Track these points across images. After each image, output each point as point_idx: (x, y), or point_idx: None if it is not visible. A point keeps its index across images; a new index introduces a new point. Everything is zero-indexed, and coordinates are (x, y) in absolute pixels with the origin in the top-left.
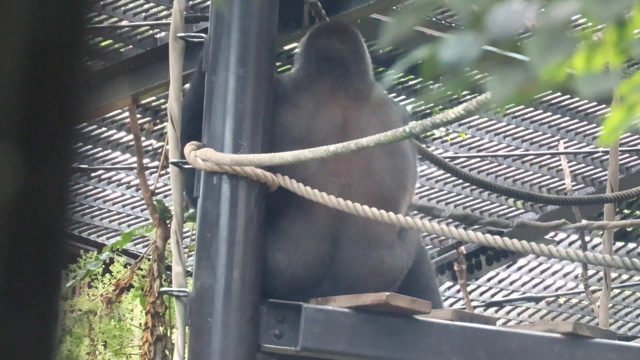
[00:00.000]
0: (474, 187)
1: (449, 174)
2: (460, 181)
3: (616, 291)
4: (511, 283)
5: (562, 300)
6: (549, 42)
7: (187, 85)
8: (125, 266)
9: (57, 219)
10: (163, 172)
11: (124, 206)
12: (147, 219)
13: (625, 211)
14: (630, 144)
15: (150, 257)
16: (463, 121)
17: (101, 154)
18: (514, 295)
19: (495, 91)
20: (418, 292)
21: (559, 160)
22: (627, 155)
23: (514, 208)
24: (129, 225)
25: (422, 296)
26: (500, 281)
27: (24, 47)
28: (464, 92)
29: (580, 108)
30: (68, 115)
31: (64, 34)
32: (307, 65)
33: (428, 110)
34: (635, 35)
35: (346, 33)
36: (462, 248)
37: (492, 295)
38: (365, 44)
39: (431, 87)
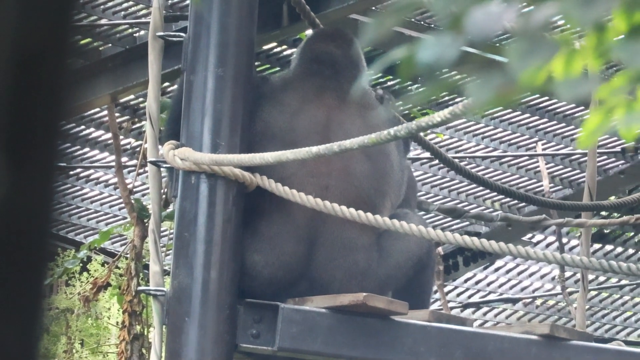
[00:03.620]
0: (452, 187)
1: (430, 175)
2: (438, 182)
3: (593, 293)
4: (488, 284)
5: (539, 301)
6: (528, 46)
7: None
8: (102, 265)
9: (41, 219)
10: (141, 171)
11: (101, 204)
12: (125, 218)
13: (603, 213)
14: (609, 146)
15: (128, 255)
16: None
17: (79, 152)
18: (491, 297)
19: (475, 95)
20: (409, 303)
21: (537, 161)
22: (605, 157)
23: (491, 209)
24: (106, 224)
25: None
26: (477, 282)
27: (9, 48)
28: (443, 94)
29: (558, 110)
30: (53, 115)
31: (50, 35)
32: (298, 67)
33: (406, 111)
34: (614, 40)
35: (343, 39)
36: (440, 249)
37: (469, 297)
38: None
39: (409, 87)
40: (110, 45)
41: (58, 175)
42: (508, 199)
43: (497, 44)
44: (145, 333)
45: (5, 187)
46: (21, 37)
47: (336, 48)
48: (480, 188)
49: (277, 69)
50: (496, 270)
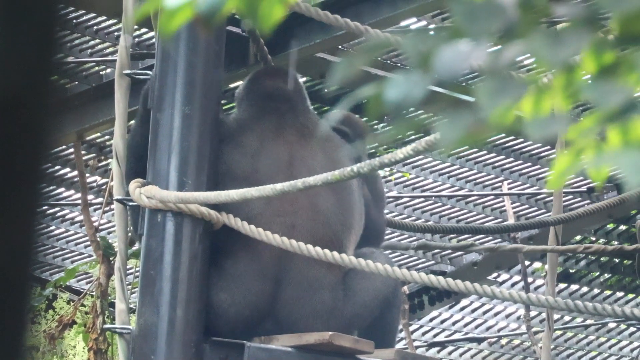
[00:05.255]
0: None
1: (392, 214)
2: (404, 221)
3: (558, 332)
4: (454, 323)
5: (504, 341)
6: (497, 85)
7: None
8: (68, 302)
9: (22, 262)
10: (107, 208)
11: (67, 242)
12: (90, 256)
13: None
14: (574, 185)
15: (94, 293)
16: (407, 160)
17: (45, 189)
18: (457, 336)
19: (444, 134)
20: (375, 342)
21: (503, 201)
22: (570, 196)
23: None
24: (72, 262)
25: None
26: (442, 321)
27: None
28: (411, 133)
29: (524, 149)
30: (35, 157)
31: (32, 79)
32: (251, 106)
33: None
34: (583, 80)
35: (286, 74)
36: (405, 288)
37: (435, 336)
38: (306, 84)
39: (376, 126)
40: (76, 82)
41: (40, 217)
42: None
43: (465, 84)
44: None
45: None
46: (3, 80)
47: (284, 84)
48: (447, 226)
49: None
50: (461, 309)
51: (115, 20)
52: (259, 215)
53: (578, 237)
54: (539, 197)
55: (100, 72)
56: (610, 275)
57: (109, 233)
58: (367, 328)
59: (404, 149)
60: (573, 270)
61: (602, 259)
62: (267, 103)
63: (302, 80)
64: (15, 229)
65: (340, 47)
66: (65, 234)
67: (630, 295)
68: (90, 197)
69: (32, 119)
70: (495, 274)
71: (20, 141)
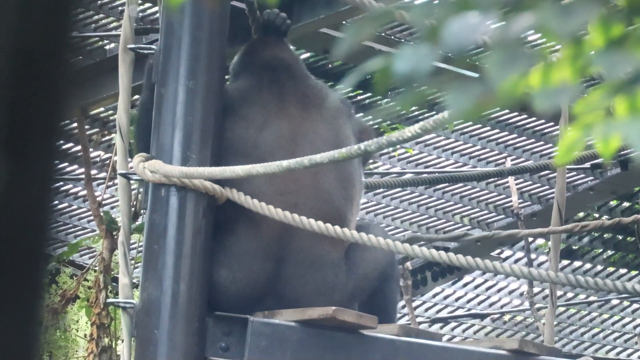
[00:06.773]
0: (421, 202)
1: (400, 189)
2: (408, 197)
3: (561, 309)
4: (457, 299)
5: (507, 317)
6: (507, 57)
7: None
8: (71, 277)
9: (39, 220)
10: (111, 183)
11: (71, 217)
12: (94, 230)
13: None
14: (578, 161)
15: (97, 268)
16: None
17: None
18: (459, 312)
19: (453, 104)
20: (375, 314)
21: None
22: (574, 173)
23: (460, 224)
24: (75, 236)
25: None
26: (445, 297)
27: (10, 48)
28: (415, 109)
29: (528, 125)
30: (52, 115)
31: (48, 40)
32: (251, 76)
33: (376, 126)
34: (591, 52)
35: (282, 43)
36: (408, 264)
37: (438, 312)
38: (310, 60)
39: (381, 102)
40: (80, 57)
41: (56, 174)
42: (477, 214)
43: (471, 59)
44: (114, 346)
45: (3, 186)
46: (21, 36)
47: (281, 52)
48: (450, 203)
49: None
50: (464, 285)
51: None
52: (261, 194)
53: (581, 214)
54: (542, 173)
55: (104, 47)
56: (613, 251)
57: (112, 208)
58: (367, 301)
59: (412, 127)
60: (576, 247)
61: (605, 235)
62: (267, 73)
63: (306, 55)
64: (31, 187)
65: (344, 22)
66: (68, 209)
67: (634, 272)
68: (93, 171)
69: (50, 76)
70: (498, 250)
71: (37, 98)
